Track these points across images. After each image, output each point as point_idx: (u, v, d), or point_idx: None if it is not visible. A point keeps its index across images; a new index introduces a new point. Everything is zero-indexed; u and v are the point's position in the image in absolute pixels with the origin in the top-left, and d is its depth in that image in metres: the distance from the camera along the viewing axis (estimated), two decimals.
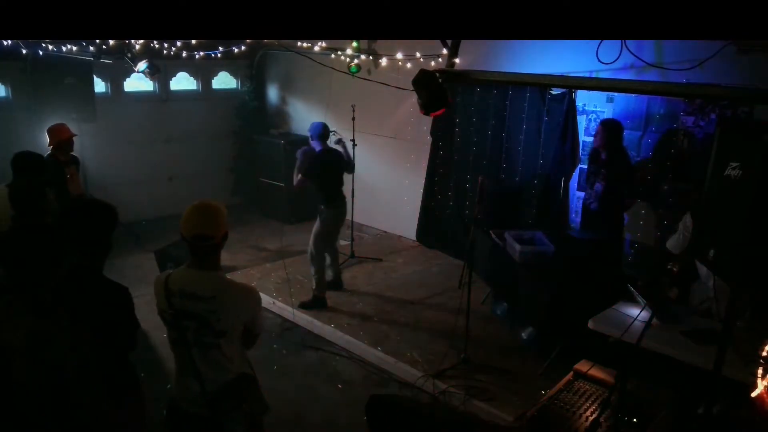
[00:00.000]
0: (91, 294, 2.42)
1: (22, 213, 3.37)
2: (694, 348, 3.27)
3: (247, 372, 2.67)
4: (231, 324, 2.49)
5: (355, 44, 7.08)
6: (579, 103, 5.75)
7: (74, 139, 5.54)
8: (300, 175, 5.46)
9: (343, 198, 5.69)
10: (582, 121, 5.80)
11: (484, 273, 5.63)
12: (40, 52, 6.61)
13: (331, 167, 5.58)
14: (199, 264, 2.50)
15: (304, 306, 5.66)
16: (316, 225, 5.65)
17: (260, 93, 9.27)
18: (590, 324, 3.60)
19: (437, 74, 3.60)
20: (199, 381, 2.49)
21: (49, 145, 5.33)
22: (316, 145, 5.55)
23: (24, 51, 6.50)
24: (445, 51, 3.91)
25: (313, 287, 5.70)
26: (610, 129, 5.06)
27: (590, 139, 5.69)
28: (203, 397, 2.49)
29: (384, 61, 6.95)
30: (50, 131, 5.39)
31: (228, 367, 2.54)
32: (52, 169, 5.25)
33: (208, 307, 2.44)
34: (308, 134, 5.65)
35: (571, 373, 2.72)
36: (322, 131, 5.57)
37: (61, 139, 5.33)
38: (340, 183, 5.69)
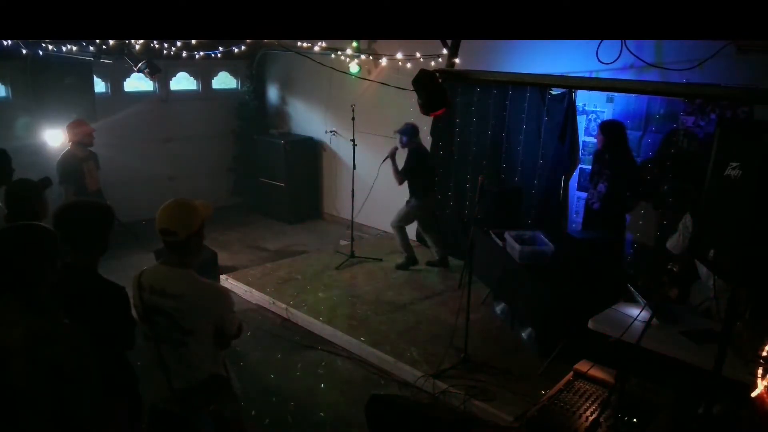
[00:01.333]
0: (86, 293, 2.42)
1: (16, 214, 3.35)
2: (694, 348, 3.27)
3: (220, 373, 2.67)
4: (198, 323, 2.49)
5: (355, 44, 7.08)
6: (579, 103, 5.75)
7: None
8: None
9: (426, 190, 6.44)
10: (582, 121, 5.80)
11: (484, 273, 5.63)
12: (40, 52, 6.61)
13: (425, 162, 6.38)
14: (171, 261, 2.52)
15: (399, 267, 6.63)
16: (406, 208, 6.49)
17: (260, 93, 9.26)
18: (590, 324, 3.60)
19: (437, 74, 3.60)
20: (168, 377, 2.51)
21: (69, 141, 5.39)
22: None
23: (24, 51, 6.50)
24: (445, 51, 3.91)
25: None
26: (609, 131, 5.07)
27: (590, 139, 5.69)
28: (171, 393, 2.51)
29: (384, 61, 6.95)
30: (69, 127, 5.48)
31: (198, 366, 2.55)
32: (69, 165, 5.31)
33: (175, 304, 2.45)
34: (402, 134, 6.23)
35: (571, 373, 2.72)
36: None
37: (82, 134, 5.41)
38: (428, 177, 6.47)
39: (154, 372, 2.61)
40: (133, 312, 2.57)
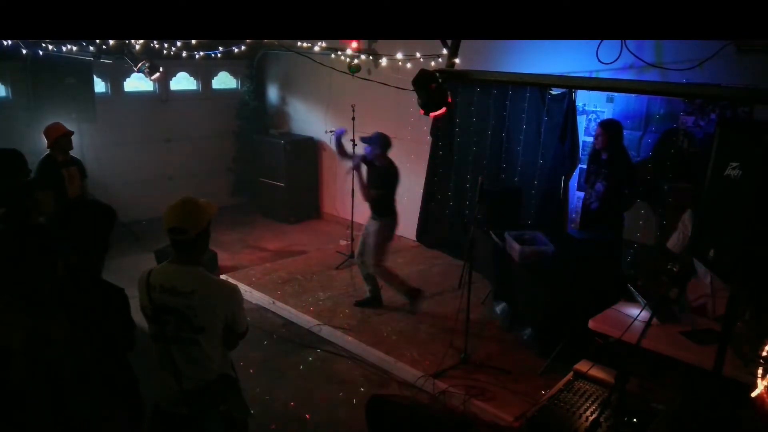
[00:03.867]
0: (86, 295, 2.42)
1: (9, 213, 3.35)
2: (694, 348, 3.28)
3: (229, 374, 2.67)
4: (209, 320, 2.49)
5: (355, 45, 7.08)
6: (579, 103, 5.75)
7: (74, 138, 5.52)
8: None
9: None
10: (582, 121, 5.81)
11: (484, 273, 5.63)
12: (40, 52, 6.61)
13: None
14: (179, 259, 2.53)
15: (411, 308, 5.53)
16: (377, 236, 5.39)
17: (260, 93, 9.26)
18: (590, 324, 3.60)
19: (437, 74, 3.59)
20: (177, 378, 2.50)
21: (48, 146, 5.31)
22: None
23: (24, 51, 6.50)
24: (445, 51, 3.90)
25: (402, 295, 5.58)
26: (609, 130, 5.07)
27: (590, 139, 5.69)
28: (181, 395, 2.50)
29: (384, 61, 6.94)
30: (46, 131, 5.37)
31: (208, 366, 2.55)
32: (47, 169, 5.20)
33: (186, 301, 2.45)
34: (373, 145, 5.26)
35: (571, 373, 2.72)
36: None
37: (57, 137, 5.29)
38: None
39: (158, 373, 2.61)
40: (141, 313, 2.57)
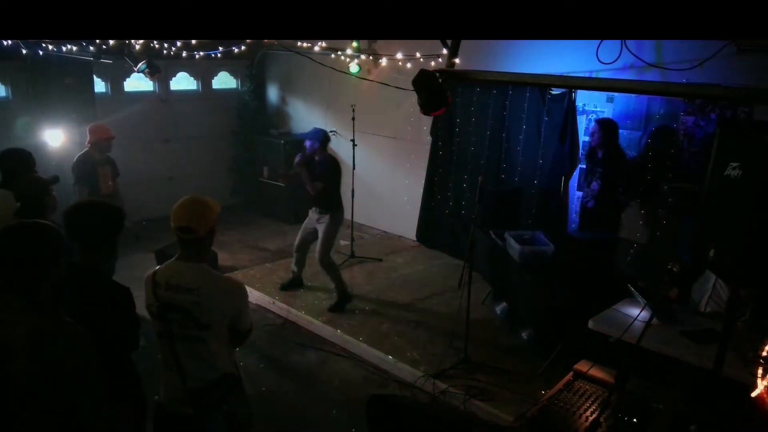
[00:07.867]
0: (92, 294, 2.42)
1: (27, 208, 3.37)
2: (694, 348, 3.28)
3: (233, 373, 2.67)
4: (214, 317, 2.49)
5: (355, 44, 7.08)
6: (579, 103, 5.75)
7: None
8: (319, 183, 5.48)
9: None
10: (582, 121, 5.81)
11: (484, 273, 5.63)
12: (40, 52, 6.61)
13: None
14: (185, 256, 2.53)
15: (333, 310, 5.61)
16: (327, 230, 5.55)
17: (260, 93, 9.27)
18: (590, 324, 3.60)
19: (437, 74, 3.59)
20: (182, 376, 2.50)
21: (88, 142, 5.43)
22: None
23: (24, 51, 6.50)
24: (445, 51, 3.90)
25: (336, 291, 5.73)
26: (605, 128, 5.09)
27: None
28: (184, 394, 2.50)
29: (384, 61, 6.95)
30: (91, 129, 5.54)
31: (212, 364, 2.54)
32: (84, 166, 5.34)
33: (192, 298, 2.45)
34: (313, 140, 5.52)
35: (571, 373, 2.71)
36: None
37: (100, 138, 5.47)
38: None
39: (162, 372, 2.61)
40: (146, 311, 2.57)
